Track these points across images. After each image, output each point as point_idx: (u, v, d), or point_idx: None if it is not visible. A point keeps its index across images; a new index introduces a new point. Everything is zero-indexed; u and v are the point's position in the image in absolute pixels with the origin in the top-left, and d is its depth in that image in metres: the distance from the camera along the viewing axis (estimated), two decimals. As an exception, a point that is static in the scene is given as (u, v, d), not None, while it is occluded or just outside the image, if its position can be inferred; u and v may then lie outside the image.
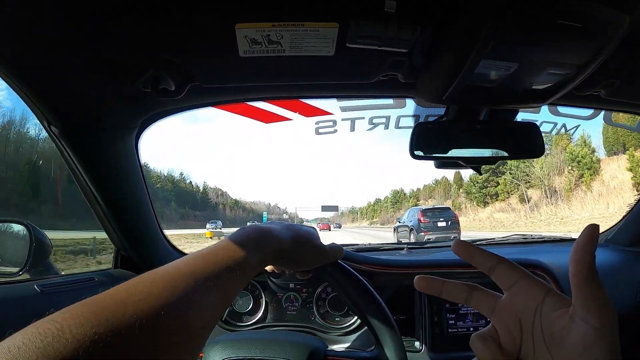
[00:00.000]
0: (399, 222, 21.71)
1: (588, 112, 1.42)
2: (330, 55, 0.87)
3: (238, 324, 1.31)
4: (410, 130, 1.06)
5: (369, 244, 1.78)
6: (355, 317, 1.26)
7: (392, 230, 23.09)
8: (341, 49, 0.85)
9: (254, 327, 1.30)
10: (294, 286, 1.30)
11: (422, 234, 17.15)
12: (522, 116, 1.21)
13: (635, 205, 1.72)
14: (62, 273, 1.35)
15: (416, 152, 1.05)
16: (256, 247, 0.60)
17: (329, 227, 54.03)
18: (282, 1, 0.75)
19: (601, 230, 1.85)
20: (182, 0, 0.73)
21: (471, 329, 1.28)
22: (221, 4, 0.74)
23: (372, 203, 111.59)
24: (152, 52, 0.85)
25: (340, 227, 68.12)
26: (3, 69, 0.80)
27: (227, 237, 0.61)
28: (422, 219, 17.93)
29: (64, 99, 0.94)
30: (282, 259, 0.69)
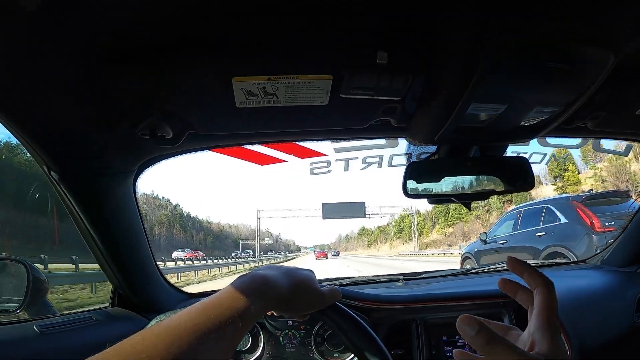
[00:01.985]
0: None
1: (576, 140, 1.45)
2: (325, 104, 0.89)
3: None
4: (403, 168, 1.09)
5: (365, 276, 1.78)
6: (353, 355, 1.26)
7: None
8: (335, 98, 0.87)
9: None
10: (292, 323, 1.30)
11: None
12: (512, 148, 1.24)
13: (627, 225, 1.75)
14: (60, 313, 1.35)
15: (409, 191, 1.07)
16: (257, 297, 0.61)
17: (326, 255, 52.46)
18: (277, 55, 0.78)
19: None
20: (183, 54, 0.75)
21: None
22: (219, 59, 0.77)
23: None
24: (152, 101, 0.86)
25: (338, 254, 65.91)
26: (3, 116, 0.81)
27: (229, 286, 0.62)
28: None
29: (64, 144, 0.95)
30: (281, 306, 0.69)
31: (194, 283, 16.32)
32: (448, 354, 1.28)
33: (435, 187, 1.13)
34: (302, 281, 0.73)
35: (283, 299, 0.68)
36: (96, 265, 1.30)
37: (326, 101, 0.88)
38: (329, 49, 0.78)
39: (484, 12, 0.66)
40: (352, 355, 1.26)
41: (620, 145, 1.61)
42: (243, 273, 0.67)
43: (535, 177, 1.17)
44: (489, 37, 0.68)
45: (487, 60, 0.72)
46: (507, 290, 0.59)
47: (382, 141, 1.18)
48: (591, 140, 1.44)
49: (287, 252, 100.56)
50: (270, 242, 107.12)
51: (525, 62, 0.74)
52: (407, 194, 1.07)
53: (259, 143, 1.13)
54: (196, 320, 0.52)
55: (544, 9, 0.66)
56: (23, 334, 1.02)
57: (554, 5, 0.66)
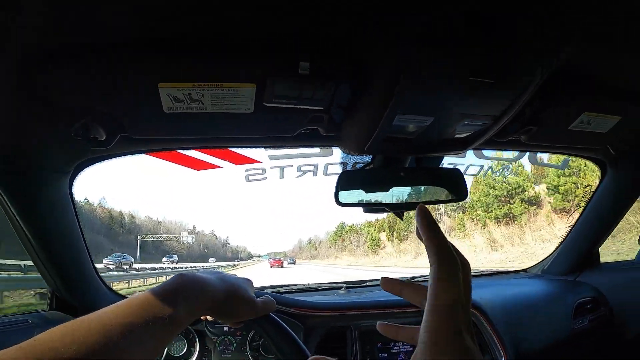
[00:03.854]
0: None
1: (514, 153, 1.51)
2: (250, 112, 0.91)
3: None
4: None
5: (308, 283, 1.80)
6: None
7: None
8: (260, 107, 0.89)
9: None
10: (227, 329, 1.30)
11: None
12: (448, 160, 1.27)
13: (566, 235, 1.82)
14: (-5, 315, 1.32)
15: (341, 200, 1.09)
16: (185, 299, 0.60)
17: (282, 263, 50.18)
18: (201, 64, 0.79)
19: (536, 262, 1.94)
20: (112, 55, 0.76)
21: None
22: (144, 64, 0.78)
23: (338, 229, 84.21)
24: (86, 100, 0.86)
25: (294, 262, 62.11)
26: None
27: (161, 285, 0.61)
28: None
29: None
30: (213, 310, 0.69)
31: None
32: None
33: (368, 196, 1.16)
34: (237, 289, 0.73)
35: (216, 303, 0.67)
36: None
37: (252, 109, 0.90)
38: (252, 57, 0.79)
39: (405, 37, 0.70)
40: None
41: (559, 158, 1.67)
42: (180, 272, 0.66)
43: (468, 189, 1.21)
44: (411, 53, 0.71)
45: (409, 72, 0.74)
46: (389, 289, 0.55)
47: (317, 150, 1.20)
48: (528, 153, 1.49)
49: (225, 261, 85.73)
50: (191, 240, 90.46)
51: (449, 74, 0.76)
52: (339, 202, 1.09)
53: (193, 148, 1.14)
54: (128, 317, 0.52)
55: (469, 31, 0.69)
56: None
57: (479, 25, 0.68)
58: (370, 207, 1.17)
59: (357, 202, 1.14)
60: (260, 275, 27.25)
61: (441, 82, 0.79)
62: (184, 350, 1.29)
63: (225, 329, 1.30)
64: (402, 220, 1.26)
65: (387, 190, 1.18)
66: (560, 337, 1.52)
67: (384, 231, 54.82)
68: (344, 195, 1.10)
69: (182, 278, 0.63)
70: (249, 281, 0.80)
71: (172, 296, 0.59)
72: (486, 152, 1.41)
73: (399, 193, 1.19)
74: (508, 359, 1.31)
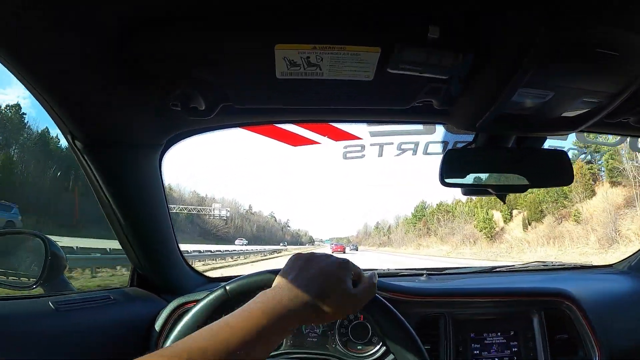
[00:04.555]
0: None
1: (614, 138, 1.41)
2: (369, 80, 0.86)
3: None
4: (437, 157, 1.06)
5: (388, 269, 1.74)
6: (378, 347, 1.22)
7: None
8: (380, 74, 0.84)
9: (272, 353, 1.26)
10: None
11: None
12: (548, 143, 1.20)
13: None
14: (77, 290, 1.33)
15: (446, 180, 1.04)
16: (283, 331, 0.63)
17: (344, 249, 47.37)
18: (324, 23, 0.74)
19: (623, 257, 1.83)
20: (222, 19, 0.72)
21: (496, 359, 1.25)
22: (262, 25, 0.74)
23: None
24: (187, 69, 0.83)
25: (357, 249, 58.61)
26: (30, 80, 0.79)
27: (289, 280, 0.68)
28: None
29: (90, 112, 0.93)
30: (310, 321, 0.70)
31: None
32: (475, 352, 1.24)
33: (472, 177, 1.10)
34: (330, 287, 0.69)
35: (317, 316, 0.67)
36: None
37: (371, 76, 0.85)
38: (379, 19, 0.74)
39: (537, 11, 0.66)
40: (376, 347, 1.23)
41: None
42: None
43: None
44: (541, 27, 0.67)
45: (538, 45, 0.69)
46: None
47: (419, 127, 1.15)
48: (629, 139, 1.40)
49: (284, 244, 76.89)
50: (225, 214, 78.83)
51: (577, 48, 0.72)
52: (444, 182, 1.04)
53: (294, 122, 1.10)
54: (259, 324, 0.58)
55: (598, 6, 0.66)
56: (37, 309, 0.99)
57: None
58: (473, 189, 1.11)
59: (461, 183, 1.08)
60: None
61: (568, 55, 0.74)
62: None
63: None
64: (504, 203, 1.19)
65: (491, 171, 1.12)
66: None
67: (496, 209, 41.77)
68: (449, 175, 1.05)
69: (273, 305, 0.63)
70: (343, 265, 0.75)
71: (301, 303, 0.65)
72: (587, 136, 1.32)
73: (503, 174, 1.13)
74: (602, 355, 1.24)
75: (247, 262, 23.13)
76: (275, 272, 0.96)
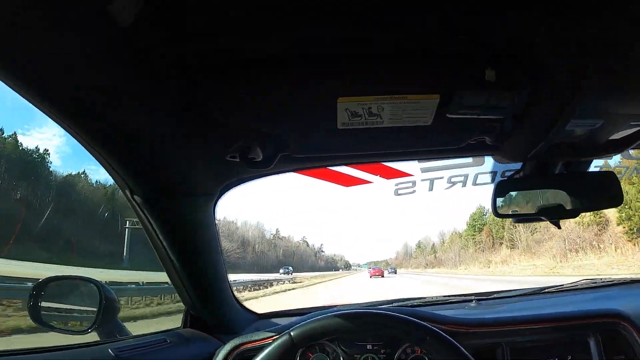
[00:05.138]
0: None
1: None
2: (427, 125, 0.88)
3: None
4: (487, 187, 1.06)
5: (436, 296, 1.72)
6: None
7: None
8: (439, 118, 0.86)
9: None
10: (371, 347, 1.25)
11: None
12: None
13: None
14: (132, 335, 1.35)
15: (499, 211, 1.05)
16: None
17: (382, 272, 41.95)
18: (385, 76, 0.77)
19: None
20: (288, 72, 0.75)
21: None
22: (326, 78, 0.76)
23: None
24: (248, 122, 0.86)
25: (395, 272, 51.81)
26: (90, 141, 0.80)
27: None
28: None
29: (150, 167, 0.95)
30: None
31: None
32: None
33: (522, 205, 1.10)
34: None
35: None
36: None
37: (430, 121, 0.86)
38: (437, 68, 0.76)
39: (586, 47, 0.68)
40: None
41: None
42: None
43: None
44: (591, 60, 0.70)
45: (589, 78, 0.72)
46: None
47: (469, 160, 1.16)
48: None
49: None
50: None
51: (624, 77, 0.75)
52: (497, 213, 1.05)
53: (348, 164, 1.11)
54: None
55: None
56: (99, 357, 1.01)
57: None
58: (525, 217, 1.12)
59: (514, 213, 1.09)
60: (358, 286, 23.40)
61: (616, 84, 0.77)
62: None
63: (368, 347, 1.26)
64: (559, 228, 1.19)
65: (541, 199, 1.12)
66: None
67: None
68: (501, 205, 1.06)
69: None
70: None
71: None
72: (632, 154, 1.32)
73: (553, 200, 1.13)
74: None
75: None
76: (340, 316, 0.97)
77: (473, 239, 47.90)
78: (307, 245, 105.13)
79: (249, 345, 1.21)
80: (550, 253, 30.86)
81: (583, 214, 1.21)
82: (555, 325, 1.25)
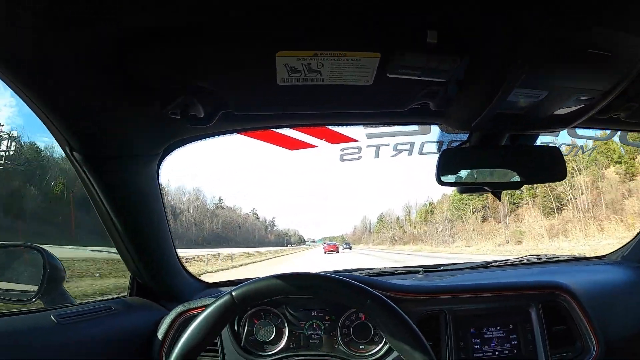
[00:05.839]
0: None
1: (604, 133, 1.44)
2: (368, 84, 0.87)
3: (260, 353, 1.27)
4: (433, 156, 1.07)
5: (384, 267, 1.75)
6: (380, 346, 1.24)
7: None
8: (380, 78, 0.85)
9: (276, 356, 1.26)
10: (316, 314, 1.28)
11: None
12: (540, 139, 1.23)
13: (648, 222, 1.74)
14: (77, 302, 1.32)
15: (443, 179, 1.06)
16: None
17: (337, 248, 41.73)
18: (324, 30, 0.75)
19: (617, 247, 1.87)
20: (223, 29, 0.73)
21: (496, 352, 1.27)
22: (263, 33, 0.74)
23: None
24: (187, 79, 0.84)
25: (350, 248, 52.93)
26: (28, 93, 0.79)
27: None
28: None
29: (89, 124, 0.92)
30: None
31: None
32: (476, 347, 1.26)
33: (467, 175, 1.12)
34: None
35: None
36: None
37: (371, 81, 0.86)
38: (378, 25, 0.75)
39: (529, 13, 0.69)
40: (379, 346, 1.24)
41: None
42: None
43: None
44: (533, 28, 0.70)
45: (532, 46, 0.72)
46: None
47: (415, 127, 1.16)
48: (619, 132, 1.43)
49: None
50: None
51: (569, 47, 0.74)
52: (441, 182, 1.06)
53: (293, 127, 1.10)
54: None
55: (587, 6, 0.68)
56: (40, 324, 0.99)
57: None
58: (469, 187, 1.13)
59: (457, 181, 1.10)
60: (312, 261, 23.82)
61: (561, 53, 0.76)
62: (272, 336, 1.27)
63: (313, 313, 1.27)
64: (500, 200, 1.21)
65: (486, 170, 1.14)
66: None
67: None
68: (445, 174, 1.07)
69: None
70: None
71: None
72: (578, 131, 1.35)
73: (497, 172, 1.15)
74: (599, 346, 1.27)
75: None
76: (280, 277, 0.97)
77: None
78: (257, 218, 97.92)
79: (195, 312, 1.20)
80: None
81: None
82: (496, 295, 1.29)
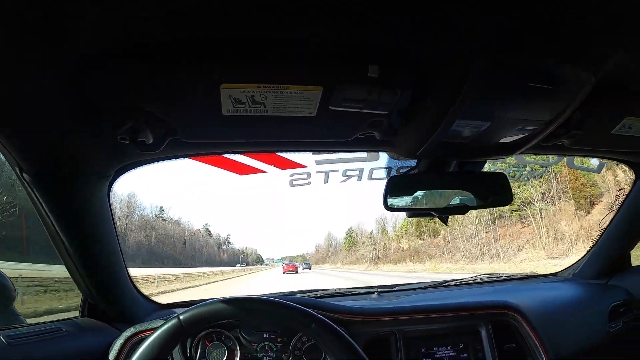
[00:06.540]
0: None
1: (552, 157, 1.50)
2: (312, 115, 0.89)
3: None
4: (382, 182, 1.10)
5: (339, 288, 1.77)
6: None
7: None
8: (324, 110, 0.87)
9: None
10: (268, 336, 1.27)
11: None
12: (489, 164, 1.27)
13: (598, 239, 1.81)
14: (28, 322, 1.29)
15: (389, 204, 1.08)
16: None
17: (296, 268, 40.48)
18: (268, 64, 0.77)
19: (568, 264, 1.94)
20: (170, 57, 0.74)
21: None
22: (208, 64, 0.75)
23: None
24: (135, 103, 0.84)
25: (310, 268, 51.15)
26: None
27: None
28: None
29: (39, 145, 0.91)
30: None
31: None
32: None
33: (414, 201, 1.15)
34: None
35: None
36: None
37: (314, 112, 0.88)
38: (321, 60, 0.78)
39: (470, 46, 0.70)
40: None
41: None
42: None
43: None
44: (475, 62, 0.72)
45: (473, 80, 0.75)
46: None
47: (363, 154, 1.19)
48: (565, 157, 1.49)
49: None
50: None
51: (510, 82, 0.78)
52: (388, 207, 1.08)
53: (241, 152, 1.11)
54: None
55: (529, 39, 0.70)
56: None
57: (539, 33, 0.69)
58: (417, 212, 1.16)
59: (405, 207, 1.13)
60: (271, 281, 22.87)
61: (502, 88, 0.80)
62: (224, 358, 1.26)
63: (265, 335, 1.28)
64: (446, 225, 1.25)
65: (433, 195, 1.17)
66: (596, 341, 1.52)
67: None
68: (393, 199, 1.10)
69: None
70: None
71: None
72: (526, 157, 1.40)
73: (444, 197, 1.18)
74: None
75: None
76: (227, 301, 0.97)
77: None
78: (209, 235, 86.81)
79: (146, 334, 1.18)
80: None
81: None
82: (446, 315, 1.31)
